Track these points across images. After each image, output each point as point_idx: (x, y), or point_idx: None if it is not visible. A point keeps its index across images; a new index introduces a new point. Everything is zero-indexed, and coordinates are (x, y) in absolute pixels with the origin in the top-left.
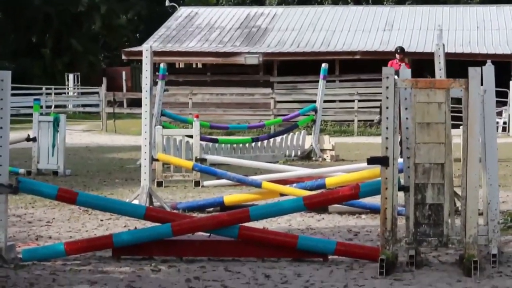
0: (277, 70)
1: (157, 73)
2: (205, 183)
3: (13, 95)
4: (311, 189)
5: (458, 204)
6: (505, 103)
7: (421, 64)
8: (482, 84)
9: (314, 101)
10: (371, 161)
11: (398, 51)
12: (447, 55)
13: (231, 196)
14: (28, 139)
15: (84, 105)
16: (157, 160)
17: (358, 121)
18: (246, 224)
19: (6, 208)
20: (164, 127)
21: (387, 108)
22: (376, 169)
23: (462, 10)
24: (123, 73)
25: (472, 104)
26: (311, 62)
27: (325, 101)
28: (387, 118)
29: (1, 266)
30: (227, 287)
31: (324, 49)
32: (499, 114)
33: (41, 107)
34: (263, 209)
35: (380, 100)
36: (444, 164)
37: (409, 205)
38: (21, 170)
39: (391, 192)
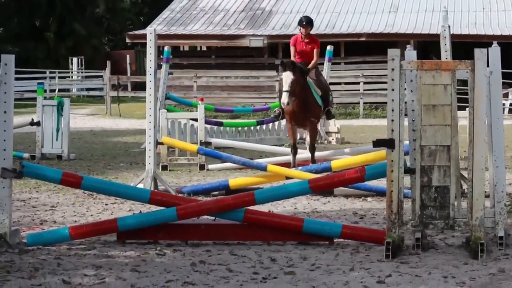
0: (282, 53)
1: (161, 56)
2: (210, 166)
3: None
4: (316, 172)
5: (465, 186)
6: (511, 85)
7: (427, 46)
8: (488, 66)
9: None
10: (377, 143)
11: (304, 22)
12: (453, 36)
13: (236, 180)
14: (32, 123)
15: (88, 89)
16: (161, 143)
17: (364, 103)
18: (252, 207)
19: (10, 193)
20: (168, 110)
21: (392, 90)
22: (382, 151)
23: None
24: (127, 56)
25: (478, 86)
26: None
27: (330, 84)
28: (392, 100)
29: (5, 251)
30: (233, 271)
31: (329, 31)
32: (505, 95)
33: (45, 91)
34: (269, 192)
35: (386, 82)
36: (450, 146)
37: (415, 188)
38: (25, 155)
39: (397, 174)
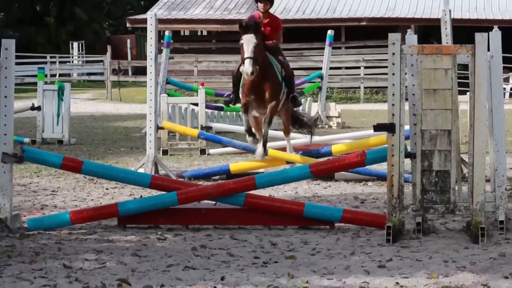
0: (283, 37)
1: (162, 41)
2: (211, 151)
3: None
4: (317, 157)
5: (465, 170)
6: None
7: (428, 31)
8: (489, 50)
9: (320, 68)
10: (378, 128)
11: None
12: (454, 21)
13: (237, 164)
14: (32, 108)
15: (88, 74)
16: (162, 128)
17: (364, 88)
18: (252, 192)
19: (11, 178)
20: (169, 95)
21: (393, 74)
22: (383, 136)
23: None
24: (128, 41)
25: (479, 70)
26: (317, 29)
27: (331, 68)
28: (393, 84)
29: (6, 236)
30: (233, 255)
31: (329, 16)
32: (506, 80)
33: (46, 75)
34: (269, 176)
35: (386, 67)
36: (451, 130)
37: (416, 172)
38: (26, 139)
39: (398, 159)
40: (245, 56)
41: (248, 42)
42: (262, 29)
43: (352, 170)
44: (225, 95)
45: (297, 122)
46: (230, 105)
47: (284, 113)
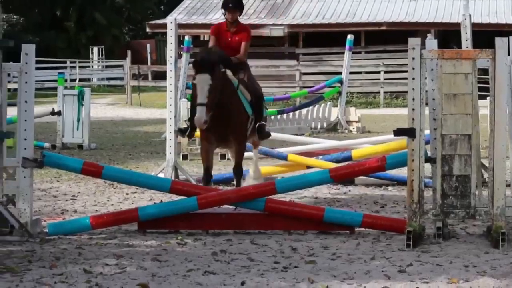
0: (302, 42)
1: (182, 46)
2: (230, 155)
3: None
4: (337, 161)
5: (486, 175)
6: None
7: (447, 35)
8: (509, 55)
9: (340, 73)
10: (398, 132)
11: (230, 5)
12: (474, 25)
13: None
14: (53, 113)
15: (108, 79)
16: None
17: (384, 92)
18: (272, 196)
19: (31, 182)
20: (189, 100)
21: (413, 79)
22: (403, 140)
23: None
24: (148, 46)
25: (499, 75)
26: (337, 33)
27: (351, 73)
28: (413, 89)
29: (27, 240)
30: (254, 260)
31: (349, 20)
32: None
33: (66, 80)
34: (289, 181)
35: (406, 71)
36: (471, 135)
37: (436, 177)
38: (46, 144)
39: (418, 163)
40: (198, 101)
41: (202, 84)
42: (229, 39)
43: (372, 174)
44: (180, 125)
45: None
46: (185, 135)
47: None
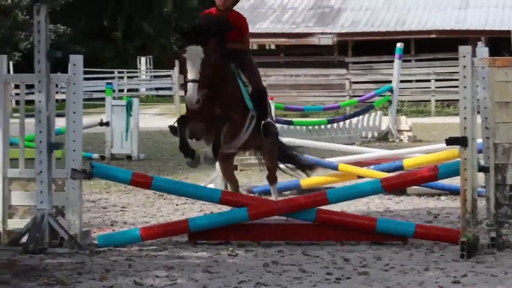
0: (352, 51)
1: None
2: (281, 165)
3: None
4: (388, 171)
5: None
6: None
7: (498, 43)
8: None
9: (390, 81)
10: (450, 141)
11: None
12: None
13: (308, 179)
14: (101, 123)
15: (157, 89)
16: None
17: (435, 101)
18: (324, 207)
19: (80, 194)
20: None
21: (464, 87)
22: (455, 149)
23: None
24: None
25: None
26: (386, 41)
27: (401, 81)
28: (464, 97)
29: (76, 252)
30: (306, 271)
31: (399, 29)
32: None
33: (114, 91)
34: (341, 191)
35: (457, 80)
36: None
37: (489, 186)
38: (95, 155)
39: (471, 173)
40: (189, 77)
41: (193, 57)
42: (220, 31)
43: (425, 184)
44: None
45: (290, 161)
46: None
47: (265, 151)
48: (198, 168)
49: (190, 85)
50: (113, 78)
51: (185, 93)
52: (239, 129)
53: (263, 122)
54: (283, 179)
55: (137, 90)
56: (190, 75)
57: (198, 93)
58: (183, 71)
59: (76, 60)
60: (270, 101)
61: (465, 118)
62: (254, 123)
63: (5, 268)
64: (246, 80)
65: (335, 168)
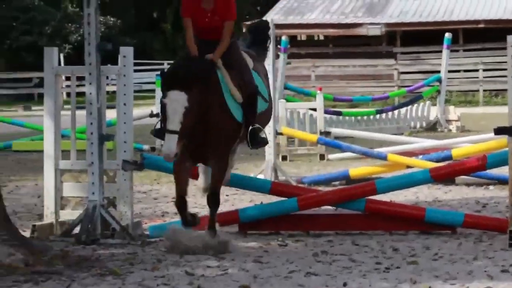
0: (400, 41)
1: (278, 46)
2: (330, 156)
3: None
4: (437, 161)
5: None
6: None
7: None
8: None
9: (438, 71)
10: (498, 131)
11: None
12: None
13: (357, 169)
14: (151, 115)
15: None
16: (281, 134)
17: (484, 90)
18: (373, 197)
19: (131, 185)
20: (287, 100)
21: None
22: (503, 139)
23: None
24: None
25: None
26: (434, 32)
27: (449, 71)
28: None
29: (128, 243)
30: (355, 260)
31: (447, 19)
32: None
33: None
34: (390, 181)
35: (506, 69)
36: None
37: None
38: (146, 147)
39: None
40: (168, 127)
41: (175, 105)
42: (207, 19)
43: (473, 174)
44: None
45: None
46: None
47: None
48: (248, 159)
49: (169, 136)
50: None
51: (162, 144)
52: (227, 153)
53: (250, 127)
54: (332, 168)
55: None
56: (170, 125)
57: (176, 147)
58: (162, 117)
59: (126, 52)
60: (318, 91)
61: None
62: (242, 130)
63: (58, 259)
64: (233, 89)
65: (384, 158)
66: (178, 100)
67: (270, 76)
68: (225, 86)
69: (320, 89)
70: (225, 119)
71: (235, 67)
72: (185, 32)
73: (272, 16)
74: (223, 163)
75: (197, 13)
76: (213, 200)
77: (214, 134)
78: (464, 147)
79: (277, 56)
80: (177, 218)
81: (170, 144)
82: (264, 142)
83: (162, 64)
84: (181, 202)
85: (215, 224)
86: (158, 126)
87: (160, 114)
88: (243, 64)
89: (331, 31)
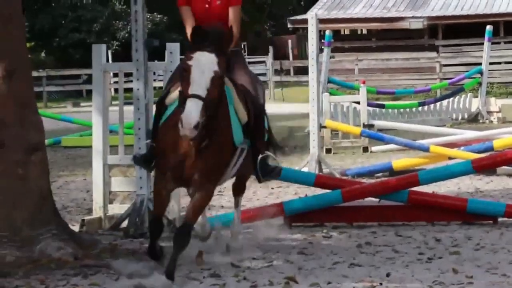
0: (442, 34)
1: (322, 41)
2: (373, 148)
3: None
4: (479, 152)
5: None
6: None
7: None
8: None
9: (480, 64)
10: None
11: None
12: None
13: (400, 161)
14: None
15: None
16: (325, 127)
17: None
18: (415, 188)
19: None
20: (331, 94)
21: None
22: None
23: None
24: (289, 41)
25: None
26: (476, 24)
27: (490, 63)
28: None
29: None
30: (398, 251)
31: (488, 11)
32: None
33: None
34: (432, 173)
35: None
36: None
37: None
38: None
39: None
40: (190, 91)
41: (202, 67)
42: (207, 4)
43: None
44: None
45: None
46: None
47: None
48: (292, 152)
49: (191, 102)
50: None
51: (181, 112)
52: (215, 179)
53: (260, 156)
54: (376, 160)
55: None
56: (194, 89)
57: (200, 115)
58: (181, 82)
59: (173, 48)
60: (362, 85)
61: None
62: (243, 155)
63: (107, 253)
64: (239, 104)
65: (426, 150)
66: (208, 62)
67: (314, 70)
68: (230, 97)
69: (364, 82)
70: (226, 135)
71: (240, 79)
72: (184, 24)
73: (316, 11)
74: (209, 191)
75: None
76: (181, 237)
77: (209, 152)
78: (505, 138)
79: (321, 51)
80: (223, 211)
81: (192, 111)
82: (277, 172)
83: None
84: (155, 226)
85: (175, 267)
86: (141, 151)
87: (169, 82)
88: (251, 77)
89: (374, 25)
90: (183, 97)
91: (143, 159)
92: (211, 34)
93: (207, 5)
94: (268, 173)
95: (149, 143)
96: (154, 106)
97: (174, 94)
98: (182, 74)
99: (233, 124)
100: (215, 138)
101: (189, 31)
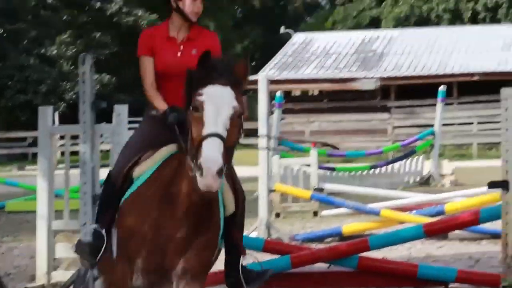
0: (394, 94)
1: (273, 102)
2: (323, 212)
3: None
4: (430, 216)
5: None
6: None
7: None
8: None
9: (433, 125)
10: (492, 185)
11: None
12: None
13: (350, 226)
14: None
15: None
16: (274, 191)
17: (478, 144)
18: (366, 253)
19: None
20: (281, 156)
21: (506, 130)
22: (497, 193)
23: None
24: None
25: None
26: (429, 85)
27: (443, 125)
28: (506, 140)
29: None
30: None
31: (441, 72)
32: None
33: None
34: (383, 238)
35: (499, 122)
36: None
37: None
38: None
39: None
40: (207, 130)
41: (219, 102)
42: (179, 54)
43: (466, 228)
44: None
45: None
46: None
47: None
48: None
49: (210, 142)
50: None
51: (196, 158)
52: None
53: (240, 259)
54: (326, 225)
55: None
56: (212, 127)
57: (224, 157)
58: (191, 125)
59: (121, 110)
60: (312, 147)
61: (506, 161)
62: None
63: None
64: (228, 193)
65: (377, 214)
66: (224, 97)
67: (263, 132)
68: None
69: (314, 145)
70: (215, 230)
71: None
72: (143, 79)
73: (267, 71)
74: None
75: (164, 47)
76: None
77: (203, 240)
78: (457, 201)
79: (271, 112)
80: None
81: (213, 150)
82: (267, 277)
83: None
84: None
85: None
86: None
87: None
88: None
89: (326, 86)
90: (198, 141)
91: (88, 248)
92: (223, 64)
93: (179, 53)
94: (254, 280)
95: (96, 229)
96: (99, 172)
97: (145, 164)
98: (192, 115)
99: (221, 218)
100: (207, 225)
101: (148, 86)
